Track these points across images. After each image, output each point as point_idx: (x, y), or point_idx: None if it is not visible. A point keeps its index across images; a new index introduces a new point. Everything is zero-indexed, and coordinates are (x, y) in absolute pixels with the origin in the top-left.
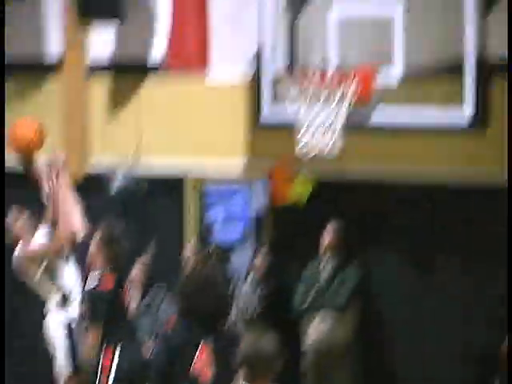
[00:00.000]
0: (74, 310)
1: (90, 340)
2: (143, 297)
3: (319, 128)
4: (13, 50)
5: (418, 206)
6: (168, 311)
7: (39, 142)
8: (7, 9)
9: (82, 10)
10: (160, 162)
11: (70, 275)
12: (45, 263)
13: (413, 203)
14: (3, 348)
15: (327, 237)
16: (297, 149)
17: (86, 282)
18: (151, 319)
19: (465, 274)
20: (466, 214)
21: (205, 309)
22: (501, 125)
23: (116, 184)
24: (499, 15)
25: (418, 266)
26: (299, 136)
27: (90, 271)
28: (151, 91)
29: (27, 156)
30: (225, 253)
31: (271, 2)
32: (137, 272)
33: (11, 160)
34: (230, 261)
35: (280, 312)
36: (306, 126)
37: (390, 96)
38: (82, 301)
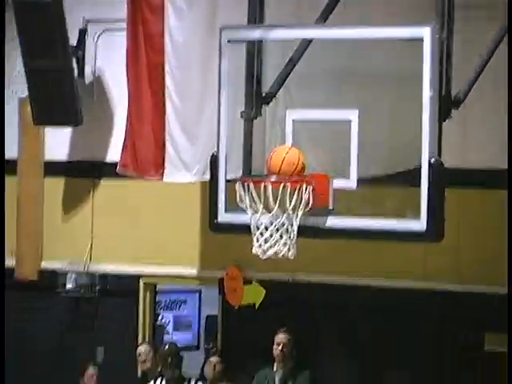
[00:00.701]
0: None
1: None
2: None
3: (274, 233)
4: None
5: (372, 313)
6: None
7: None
8: None
9: (36, 115)
10: (112, 265)
11: None
12: None
13: (367, 311)
14: (3, 348)
15: (278, 343)
16: (251, 253)
17: None
18: None
19: None
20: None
21: None
22: (456, 235)
23: (68, 285)
24: (455, 123)
25: (371, 376)
26: (254, 241)
27: None
28: (106, 194)
29: None
30: (179, 352)
31: (227, 107)
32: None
33: None
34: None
35: None
36: (261, 230)
37: (345, 202)
38: None
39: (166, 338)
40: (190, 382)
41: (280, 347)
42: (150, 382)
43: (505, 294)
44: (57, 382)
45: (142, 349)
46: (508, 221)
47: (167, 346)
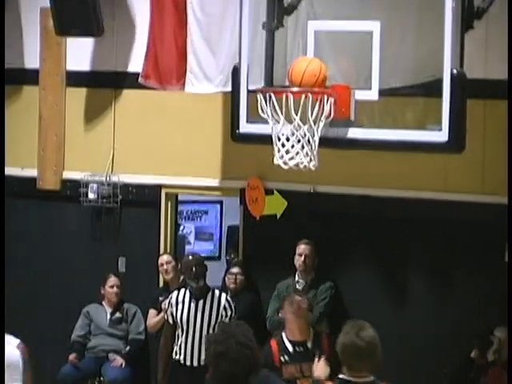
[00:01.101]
0: None
1: None
2: (116, 311)
3: (295, 144)
4: None
5: (395, 226)
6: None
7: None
8: None
9: (58, 25)
10: (134, 176)
11: None
12: None
13: (388, 222)
14: (3, 346)
15: (300, 253)
16: (273, 164)
17: None
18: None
19: (433, 294)
20: (440, 236)
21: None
22: (477, 146)
23: (90, 195)
24: (477, 35)
25: (391, 286)
26: (275, 151)
27: None
28: (127, 104)
29: None
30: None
31: (248, 18)
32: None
33: None
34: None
35: (254, 324)
36: (282, 141)
37: (366, 114)
38: None
39: (188, 248)
40: (213, 292)
41: (302, 258)
42: (173, 291)
43: None
44: (79, 290)
45: (164, 258)
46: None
47: (191, 256)
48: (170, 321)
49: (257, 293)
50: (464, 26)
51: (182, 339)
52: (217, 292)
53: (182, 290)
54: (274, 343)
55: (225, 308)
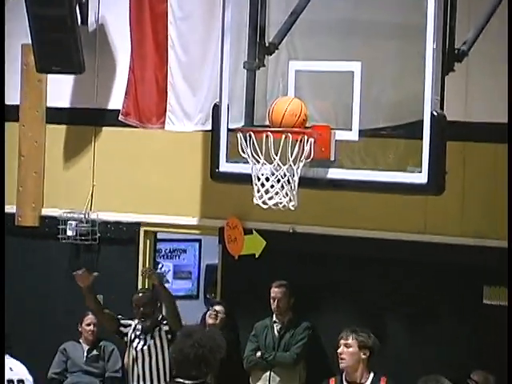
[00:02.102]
0: None
1: None
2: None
3: (275, 184)
4: None
5: (374, 267)
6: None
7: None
8: None
9: (39, 62)
10: (113, 214)
11: None
12: None
13: (366, 262)
14: (3, 347)
15: (273, 297)
16: (252, 203)
17: None
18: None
19: (410, 336)
20: (419, 278)
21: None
22: (456, 187)
23: (69, 232)
24: (459, 76)
25: (368, 327)
26: (255, 191)
27: None
28: (107, 142)
29: None
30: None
31: (229, 57)
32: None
33: None
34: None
35: (230, 364)
36: (261, 181)
37: (346, 154)
38: None
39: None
40: (160, 328)
41: (275, 301)
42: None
43: (505, 247)
44: (56, 328)
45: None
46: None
47: (141, 294)
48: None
49: (236, 332)
50: (445, 68)
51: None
52: (164, 327)
53: (134, 324)
54: (332, 382)
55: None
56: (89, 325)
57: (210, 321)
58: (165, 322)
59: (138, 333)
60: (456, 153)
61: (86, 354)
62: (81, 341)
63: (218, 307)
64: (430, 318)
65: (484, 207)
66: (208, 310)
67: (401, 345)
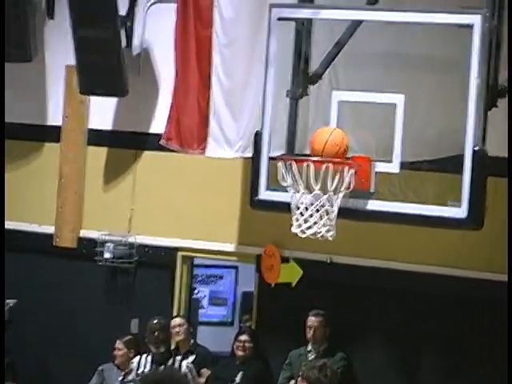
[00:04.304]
0: None
1: None
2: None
3: (314, 213)
4: (16, 115)
5: (405, 304)
6: None
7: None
8: (13, 72)
9: (83, 84)
10: (151, 238)
11: None
12: None
13: (403, 295)
14: (3, 348)
15: (309, 326)
16: (290, 232)
17: None
18: None
19: (444, 371)
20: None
21: None
22: (495, 224)
23: (106, 255)
24: (501, 112)
25: (402, 360)
26: (293, 220)
27: None
28: (148, 165)
29: None
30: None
31: (272, 85)
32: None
33: None
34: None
35: None
36: (301, 210)
37: (387, 186)
38: None
39: (201, 312)
40: (175, 358)
41: (312, 330)
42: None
43: None
44: (91, 351)
45: (177, 321)
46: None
47: (155, 321)
48: None
49: (266, 361)
50: (488, 103)
51: None
52: (178, 358)
53: (144, 356)
54: None
55: (185, 374)
56: (120, 349)
57: (239, 353)
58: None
59: (147, 363)
60: (496, 189)
61: (120, 378)
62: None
63: (243, 337)
64: (462, 353)
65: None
66: (234, 341)
67: (434, 378)
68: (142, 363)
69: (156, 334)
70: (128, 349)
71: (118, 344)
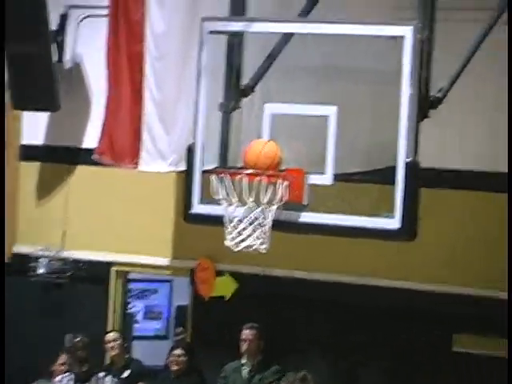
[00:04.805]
0: None
1: None
2: None
3: (247, 226)
4: None
5: (344, 311)
6: None
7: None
8: None
9: (15, 99)
10: (85, 252)
11: None
12: None
13: (336, 306)
14: (3, 348)
15: (244, 339)
16: (224, 245)
17: None
18: None
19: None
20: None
21: None
22: (429, 235)
23: (40, 270)
24: (433, 122)
25: (339, 371)
26: (227, 233)
27: None
28: (81, 180)
29: None
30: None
31: (204, 98)
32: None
33: None
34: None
35: None
36: (234, 223)
37: (320, 198)
38: None
39: (135, 326)
40: (98, 375)
41: (246, 343)
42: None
43: (476, 295)
44: (25, 366)
45: (111, 336)
46: (508, 226)
47: (78, 339)
48: None
49: (201, 374)
50: (420, 114)
51: None
52: (101, 374)
53: (66, 375)
54: None
55: None
56: (63, 364)
57: (174, 367)
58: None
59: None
60: (429, 199)
61: None
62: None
63: (177, 351)
64: (398, 364)
65: (450, 255)
66: (169, 355)
67: None
68: (64, 383)
69: (79, 352)
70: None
71: (65, 358)
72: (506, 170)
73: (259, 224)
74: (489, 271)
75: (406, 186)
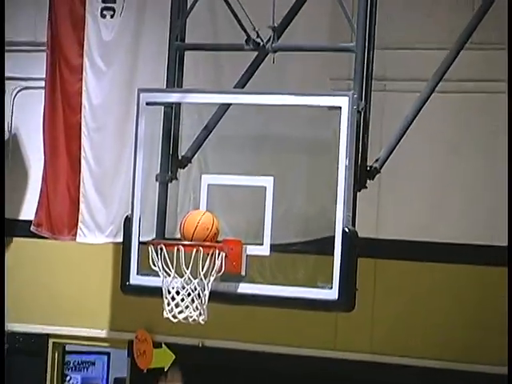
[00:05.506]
0: None
1: None
2: None
3: (185, 297)
4: None
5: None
6: None
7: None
8: None
9: None
10: (21, 325)
11: None
12: None
13: (278, 379)
14: (3, 348)
15: None
16: (162, 316)
17: None
18: None
19: None
20: None
21: None
22: (367, 305)
23: None
24: (370, 194)
25: None
26: (165, 304)
27: None
28: (18, 252)
29: None
30: None
31: (141, 170)
32: None
33: None
34: None
35: None
36: (172, 294)
37: (258, 268)
38: None
39: None
40: None
41: None
42: None
43: (418, 366)
44: None
45: None
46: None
47: None
48: None
49: None
50: (357, 184)
51: None
52: None
53: None
54: None
55: None
56: None
57: None
58: None
59: None
60: (367, 270)
61: None
62: None
63: None
64: None
65: (393, 324)
66: None
67: None
68: None
69: None
70: None
71: None
72: (444, 240)
73: (197, 295)
74: (429, 341)
75: (343, 256)
